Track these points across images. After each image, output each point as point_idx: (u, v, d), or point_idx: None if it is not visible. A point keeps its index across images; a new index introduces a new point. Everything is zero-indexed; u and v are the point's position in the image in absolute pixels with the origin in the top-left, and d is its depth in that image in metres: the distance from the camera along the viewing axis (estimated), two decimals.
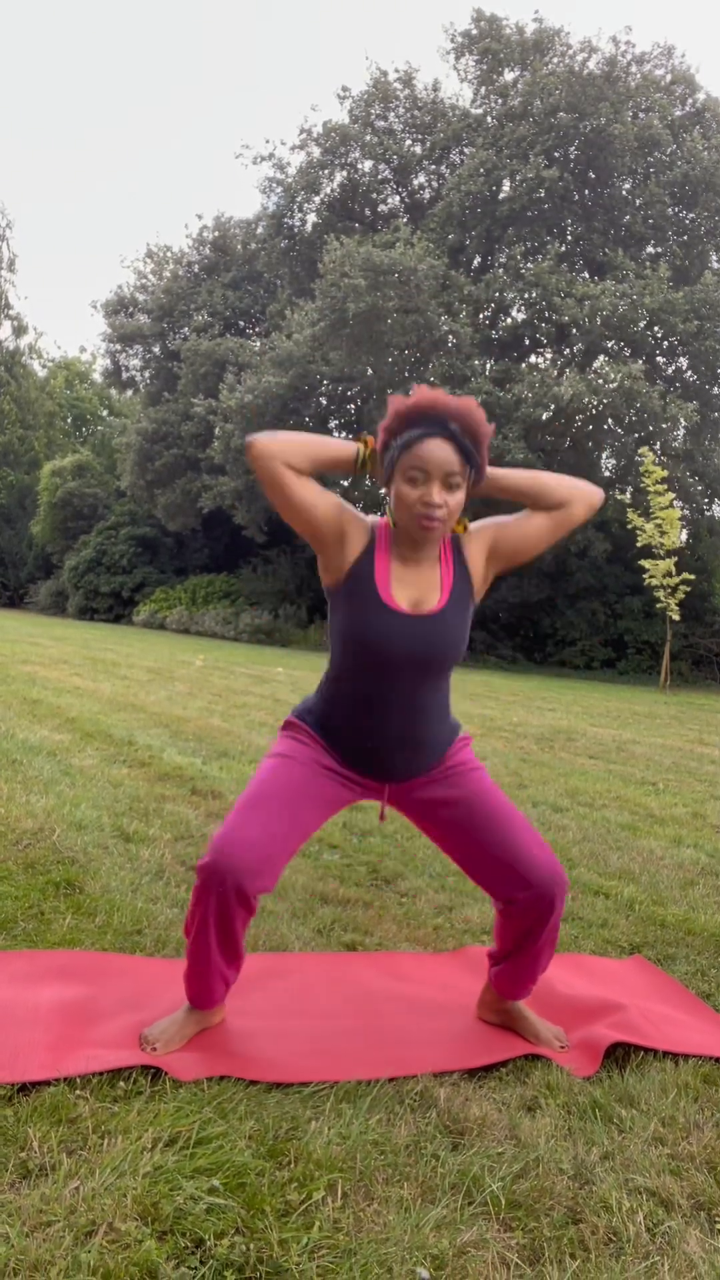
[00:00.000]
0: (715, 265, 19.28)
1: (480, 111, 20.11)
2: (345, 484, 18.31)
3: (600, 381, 16.45)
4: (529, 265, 17.94)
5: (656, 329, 17.70)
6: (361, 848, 3.50)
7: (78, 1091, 1.67)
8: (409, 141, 21.20)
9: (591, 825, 4.14)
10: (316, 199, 21.62)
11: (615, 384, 16.21)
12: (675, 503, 14.20)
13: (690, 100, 19.01)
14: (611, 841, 3.88)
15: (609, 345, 18.01)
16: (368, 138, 20.91)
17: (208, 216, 31.00)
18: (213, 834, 2.07)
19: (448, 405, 1.77)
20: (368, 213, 22.21)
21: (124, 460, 24.22)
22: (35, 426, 34.40)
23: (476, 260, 19.99)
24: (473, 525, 1.96)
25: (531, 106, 18.57)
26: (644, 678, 17.25)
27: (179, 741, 5.43)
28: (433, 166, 21.31)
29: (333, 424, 21.15)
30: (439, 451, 1.75)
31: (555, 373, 17.05)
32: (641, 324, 17.24)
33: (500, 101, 19.67)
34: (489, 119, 19.62)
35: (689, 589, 14.51)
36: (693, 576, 14.43)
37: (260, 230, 23.60)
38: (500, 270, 18.38)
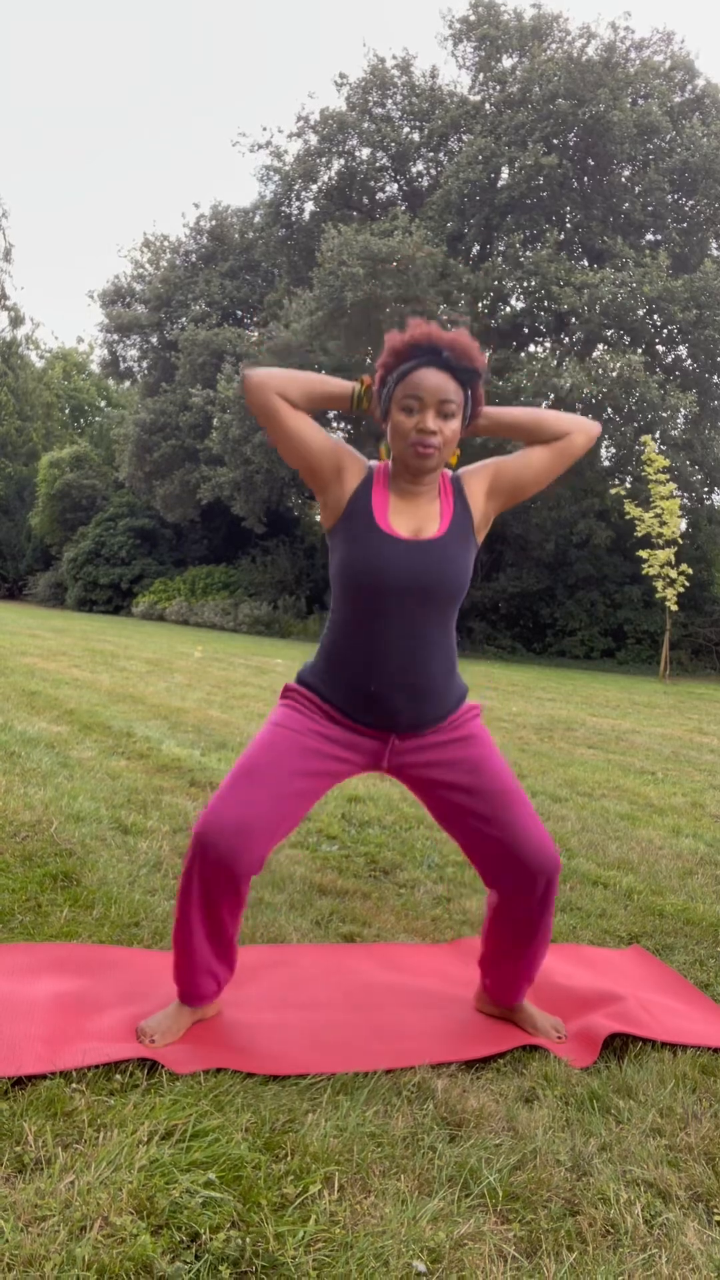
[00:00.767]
0: (715, 253, 19.18)
1: (479, 98, 19.98)
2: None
3: (600, 370, 16.39)
4: (528, 253, 17.85)
5: (656, 317, 17.63)
6: (360, 839, 3.49)
7: (74, 1085, 1.66)
8: (407, 129, 21.07)
9: (590, 815, 4.14)
10: (314, 187, 21.51)
11: (615, 373, 16.15)
12: (675, 492, 14.16)
13: (690, 86, 18.88)
14: (610, 831, 3.87)
15: (608, 334, 17.93)
16: (365, 125, 20.78)
17: (205, 205, 30.83)
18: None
19: (441, 336, 1.80)
20: (366, 201, 22.08)
21: (122, 451, 24.15)
22: (33, 418, 34.34)
23: (475, 248, 19.90)
24: (472, 465, 1.97)
25: (530, 93, 18.45)
26: (643, 667, 17.24)
27: (178, 733, 5.43)
28: (431, 154, 21.18)
29: (331, 415, 21.07)
30: (433, 378, 1.78)
31: (554, 362, 16.97)
32: (641, 312, 17.17)
33: (499, 88, 19.54)
34: (487, 106, 19.49)
35: (689, 581, 14.48)
36: (690, 571, 14.40)
37: (258, 219, 23.48)
38: (499, 258, 18.30)
